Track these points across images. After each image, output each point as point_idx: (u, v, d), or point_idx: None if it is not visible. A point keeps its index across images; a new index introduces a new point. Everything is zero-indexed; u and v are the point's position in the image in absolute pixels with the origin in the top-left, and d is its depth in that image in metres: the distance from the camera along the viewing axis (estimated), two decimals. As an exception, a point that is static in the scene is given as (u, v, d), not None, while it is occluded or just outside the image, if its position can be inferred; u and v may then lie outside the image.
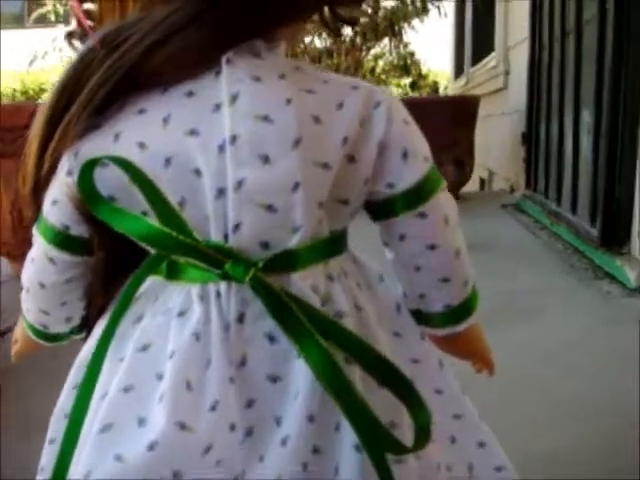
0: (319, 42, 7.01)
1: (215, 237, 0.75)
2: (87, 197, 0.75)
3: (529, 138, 4.80)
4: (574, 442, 1.63)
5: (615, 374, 1.97)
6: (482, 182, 6.74)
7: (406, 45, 7.33)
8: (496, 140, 5.92)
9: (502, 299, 2.71)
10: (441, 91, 9.10)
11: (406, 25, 6.99)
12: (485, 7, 6.35)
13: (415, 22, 7.04)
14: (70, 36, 0.90)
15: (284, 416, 0.76)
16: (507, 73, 5.68)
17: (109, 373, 0.78)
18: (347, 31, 6.91)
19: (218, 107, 0.74)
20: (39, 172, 0.81)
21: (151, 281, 0.80)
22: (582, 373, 2.01)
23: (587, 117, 3.45)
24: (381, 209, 0.82)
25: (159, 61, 0.74)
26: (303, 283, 0.77)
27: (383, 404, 0.79)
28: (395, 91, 7.93)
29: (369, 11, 6.77)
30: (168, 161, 0.74)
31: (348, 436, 0.76)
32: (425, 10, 6.72)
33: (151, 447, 0.72)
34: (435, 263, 0.84)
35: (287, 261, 0.76)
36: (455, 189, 5.03)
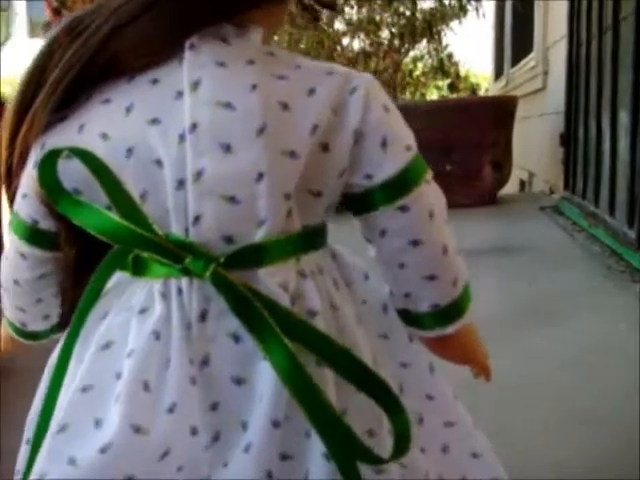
0: (357, 44, 6.98)
1: (176, 231, 0.72)
2: (48, 189, 0.73)
3: (567, 139, 4.69)
4: (593, 451, 1.57)
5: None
6: (522, 184, 6.63)
7: (445, 47, 7.26)
8: (536, 141, 5.82)
9: (537, 301, 2.66)
10: (482, 93, 8.98)
11: (444, 26, 6.93)
12: (524, 6, 6.24)
13: (454, 24, 6.98)
14: (46, 27, 0.89)
15: (250, 420, 0.72)
16: (546, 73, 5.57)
17: (73, 372, 0.75)
18: (385, 33, 6.88)
19: (180, 94, 0.71)
20: (10, 164, 0.79)
21: (118, 277, 0.77)
22: (602, 379, 1.94)
23: (624, 118, 3.36)
24: (360, 203, 0.78)
25: (120, 49, 0.72)
26: (270, 280, 0.72)
27: (361, 411, 0.75)
28: (435, 93, 7.85)
29: (407, 13, 6.73)
30: (130, 151, 0.71)
31: (318, 442, 0.72)
32: (463, 11, 6.64)
33: (103, 450, 0.69)
34: (420, 260, 0.79)
35: (252, 256, 0.72)
36: (493, 191, 4.96)
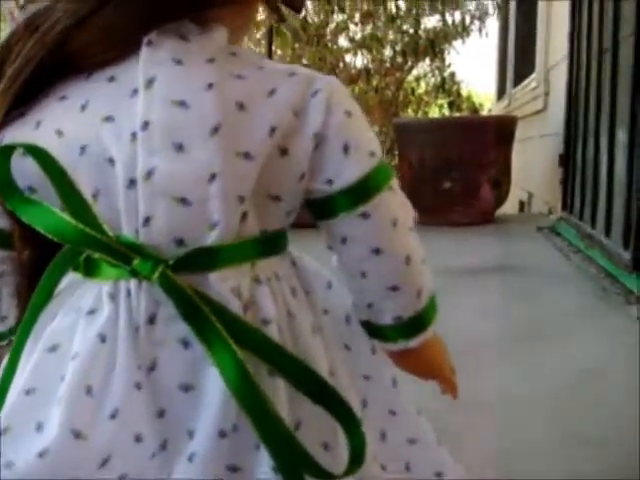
0: (359, 61, 7.00)
1: (127, 231, 0.70)
2: (1, 187, 0.70)
3: (566, 160, 4.67)
4: (589, 470, 1.54)
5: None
6: (521, 204, 6.61)
7: (448, 65, 7.27)
8: (536, 162, 5.80)
9: (531, 323, 2.63)
10: (484, 113, 8.99)
11: (447, 45, 6.94)
12: (527, 27, 6.25)
13: (457, 43, 7.00)
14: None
15: (196, 429, 0.70)
16: (547, 94, 5.57)
17: (19, 373, 0.73)
18: (387, 51, 6.89)
19: (135, 92, 0.69)
20: None
21: (71, 278, 0.75)
22: (602, 404, 1.91)
23: (622, 138, 3.34)
24: (321, 208, 0.75)
25: (75, 46, 0.70)
26: (222, 285, 0.70)
27: (316, 423, 0.72)
28: (437, 112, 7.85)
29: (410, 31, 6.75)
30: (83, 149, 0.70)
31: (266, 455, 0.69)
32: (466, 30, 6.65)
33: (41, 454, 0.67)
34: (382, 269, 0.76)
35: (203, 260, 0.70)
36: (491, 209, 4.94)
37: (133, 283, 0.70)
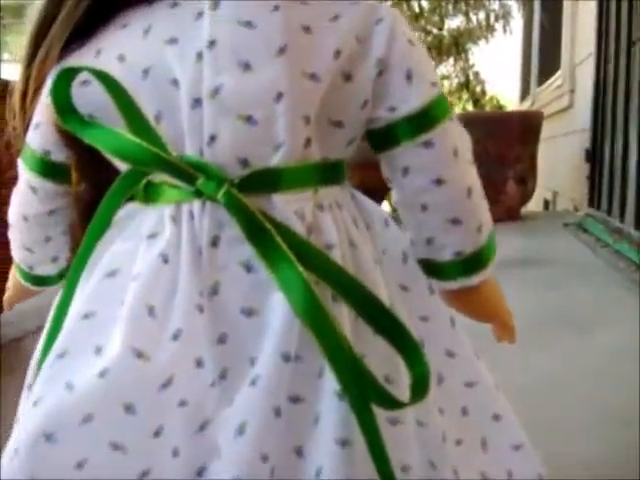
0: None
1: (190, 151, 0.69)
2: (60, 109, 0.70)
3: (593, 155, 4.64)
4: (623, 452, 1.53)
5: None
6: (546, 203, 6.57)
7: (472, 66, 7.25)
8: (561, 160, 5.76)
9: (563, 311, 2.62)
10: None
11: (471, 45, 6.93)
12: (552, 24, 6.22)
13: (481, 42, 6.98)
14: None
15: (259, 356, 0.68)
16: (572, 91, 5.52)
17: (76, 300, 0.72)
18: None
19: (200, 15, 0.69)
20: (25, 97, 0.77)
21: (129, 207, 0.74)
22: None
23: (652, 131, 3.31)
24: (382, 137, 0.75)
25: None
26: (286, 207, 0.69)
27: (378, 355, 0.71)
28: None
29: (434, 30, 6.74)
30: (146, 72, 0.69)
31: (331, 383, 0.68)
32: (491, 29, 6.63)
33: (102, 374, 0.65)
34: (443, 201, 0.75)
35: (268, 180, 0.69)
36: (517, 206, 4.91)
37: (196, 204, 0.69)
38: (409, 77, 0.72)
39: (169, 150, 0.68)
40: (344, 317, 0.70)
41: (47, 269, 0.87)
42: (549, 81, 6.48)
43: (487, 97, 7.49)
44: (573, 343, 2.24)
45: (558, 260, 3.63)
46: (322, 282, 0.68)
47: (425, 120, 0.73)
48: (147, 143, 0.68)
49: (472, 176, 0.77)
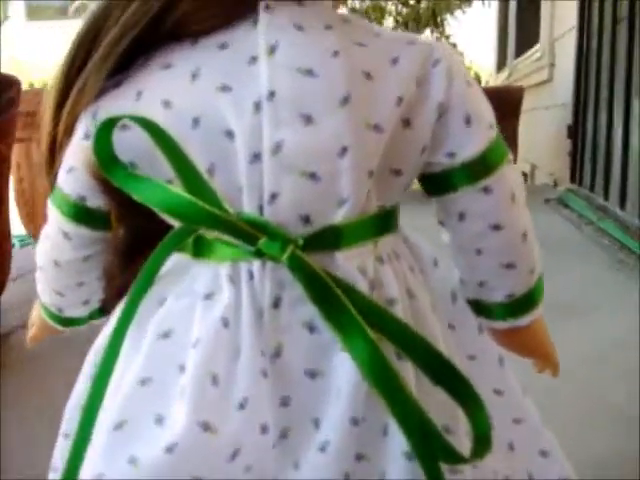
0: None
1: (248, 209, 0.65)
2: (103, 161, 0.66)
3: (575, 131, 4.64)
4: (624, 444, 1.53)
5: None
6: (524, 176, 6.59)
7: (448, 37, 7.20)
8: (540, 134, 5.77)
9: (553, 295, 2.59)
10: (482, 84, 8.91)
11: (449, 16, 6.88)
12: (530, -1, 6.19)
13: (458, 13, 6.93)
14: None
15: (323, 418, 0.66)
16: (552, 65, 5.52)
17: (127, 361, 0.69)
18: (389, 21, 6.82)
19: (254, 59, 0.64)
20: (54, 136, 0.72)
21: (176, 259, 0.70)
22: (632, 374, 1.89)
23: (638, 108, 3.31)
24: (439, 182, 0.72)
25: (187, 10, 0.65)
26: (349, 264, 0.66)
27: (436, 406, 0.69)
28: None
29: (411, 2, 6.68)
30: (196, 121, 0.65)
31: (397, 441, 0.66)
32: (468, 0, 6.59)
33: (169, 449, 0.62)
34: (499, 246, 0.73)
35: (331, 238, 0.66)
36: (497, 182, 4.91)
37: (256, 264, 0.66)
38: (468, 121, 0.69)
39: (225, 207, 0.65)
40: (409, 373, 0.68)
41: (77, 311, 0.83)
42: (527, 53, 6.47)
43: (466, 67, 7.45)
44: (565, 328, 2.24)
45: (541, 237, 3.57)
46: (386, 339, 0.66)
47: (484, 166, 0.70)
48: (201, 199, 0.64)
49: (527, 219, 0.75)
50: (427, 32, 7.06)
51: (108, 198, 0.71)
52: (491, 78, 9.14)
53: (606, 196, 3.87)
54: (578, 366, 1.94)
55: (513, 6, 7.29)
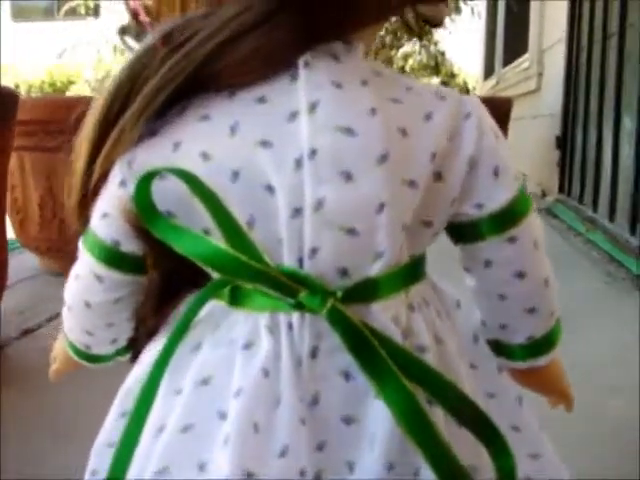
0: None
1: (288, 261, 0.67)
2: (144, 213, 0.67)
3: (564, 142, 4.69)
4: (616, 463, 1.55)
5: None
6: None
7: (436, 44, 7.24)
8: (527, 143, 5.82)
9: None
10: (470, 92, 8.97)
11: (437, 24, 6.90)
12: (519, 7, 6.24)
13: (446, 21, 6.97)
14: (123, 32, 0.83)
15: (357, 462, 0.68)
16: (540, 75, 5.58)
17: (163, 406, 0.71)
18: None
19: (294, 116, 0.66)
20: (88, 181, 0.73)
21: (212, 306, 0.72)
22: (620, 391, 1.92)
23: (628, 123, 3.36)
24: (466, 232, 0.74)
25: (227, 63, 0.66)
26: (384, 315, 0.69)
27: (463, 446, 0.71)
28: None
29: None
30: (236, 175, 0.66)
31: None
32: (457, 10, 6.61)
33: None
34: (522, 292, 0.76)
35: (368, 290, 0.68)
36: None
37: (296, 315, 0.68)
38: (496, 174, 0.71)
39: (265, 260, 0.66)
40: (439, 417, 0.70)
41: (105, 349, 0.84)
42: (515, 62, 6.52)
43: (454, 75, 7.51)
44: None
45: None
46: (418, 387, 0.68)
47: (510, 217, 0.73)
48: (241, 251, 0.65)
49: (548, 265, 0.78)
50: (415, 39, 7.10)
51: (142, 243, 0.73)
52: (478, 85, 9.21)
53: (595, 208, 3.92)
54: (572, 382, 1.97)
55: (501, 15, 7.35)
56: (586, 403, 1.81)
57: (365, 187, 0.65)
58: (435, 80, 7.53)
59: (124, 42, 0.75)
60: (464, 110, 0.71)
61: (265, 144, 0.66)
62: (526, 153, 5.90)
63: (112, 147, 0.69)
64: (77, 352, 0.86)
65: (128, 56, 0.74)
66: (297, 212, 0.65)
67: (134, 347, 0.83)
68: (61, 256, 3.03)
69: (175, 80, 0.67)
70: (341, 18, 0.68)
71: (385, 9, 0.72)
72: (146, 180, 0.66)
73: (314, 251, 0.66)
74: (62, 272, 3.07)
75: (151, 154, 0.69)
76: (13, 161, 3.02)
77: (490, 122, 0.73)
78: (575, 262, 3.47)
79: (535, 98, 5.73)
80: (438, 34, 7.12)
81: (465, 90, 7.65)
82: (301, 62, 0.66)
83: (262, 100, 0.67)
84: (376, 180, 0.65)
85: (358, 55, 0.71)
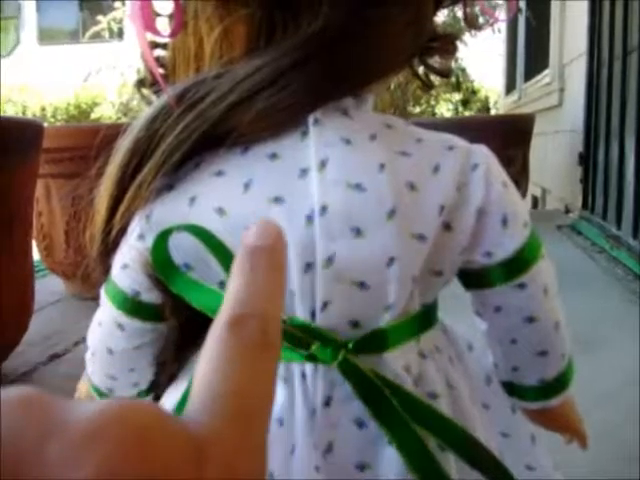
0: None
1: (301, 314, 0.69)
2: (161, 269, 0.70)
3: (586, 159, 4.68)
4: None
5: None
6: (535, 200, 6.62)
7: (456, 60, 7.24)
8: (549, 158, 5.81)
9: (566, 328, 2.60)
10: (491, 107, 8.96)
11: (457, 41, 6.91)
12: (539, 21, 6.24)
13: (466, 37, 6.97)
14: (140, 84, 0.85)
15: None
16: (562, 90, 5.57)
17: None
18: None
19: (305, 172, 0.68)
20: (108, 234, 0.75)
21: None
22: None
23: (650, 140, 3.35)
24: (475, 279, 0.76)
25: (240, 122, 0.68)
26: (395, 364, 0.70)
27: None
28: (445, 107, 7.83)
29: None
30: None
31: None
32: (478, 26, 6.61)
33: None
34: (533, 336, 0.77)
35: (379, 341, 0.70)
36: (509, 209, 4.94)
37: (309, 366, 0.70)
38: (505, 222, 0.73)
39: None
40: (450, 462, 0.71)
41: (127, 392, 0.86)
42: (537, 77, 6.51)
43: (475, 91, 7.51)
44: (579, 364, 2.23)
45: (557, 266, 3.63)
46: (429, 434, 0.69)
47: (520, 264, 0.74)
48: None
49: (559, 310, 0.79)
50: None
51: (163, 294, 0.75)
52: (499, 100, 9.20)
53: (619, 225, 3.90)
54: (592, 406, 1.96)
55: (522, 30, 7.35)
56: (611, 422, 1.82)
57: (375, 242, 0.67)
58: (456, 96, 7.55)
59: (141, 94, 0.77)
60: (472, 161, 0.72)
61: (278, 200, 0.67)
62: (548, 169, 5.89)
63: (130, 202, 0.72)
64: (101, 395, 0.88)
65: (145, 109, 0.76)
66: (309, 267, 0.67)
67: (155, 390, 0.85)
68: (87, 280, 3.07)
69: (190, 139, 0.69)
70: (350, 77, 0.70)
71: (394, 64, 0.74)
72: (163, 237, 0.69)
73: (326, 304, 0.68)
74: (88, 296, 3.13)
75: (168, 209, 0.71)
76: (39, 188, 3.08)
77: (498, 171, 0.74)
78: (599, 280, 3.45)
79: (557, 113, 5.72)
80: (459, 51, 7.13)
81: (486, 107, 7.64)
82: (311, 119, 0.68)
83: (274, 157, 0.69)
84: (385, 235, 0.67)
85: (368, 108, 0.73)
